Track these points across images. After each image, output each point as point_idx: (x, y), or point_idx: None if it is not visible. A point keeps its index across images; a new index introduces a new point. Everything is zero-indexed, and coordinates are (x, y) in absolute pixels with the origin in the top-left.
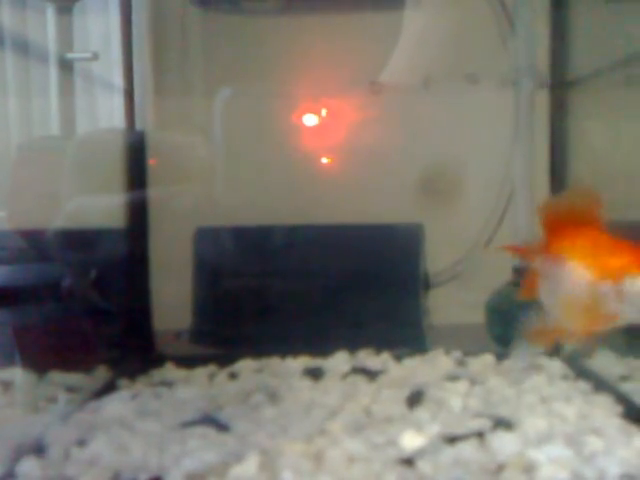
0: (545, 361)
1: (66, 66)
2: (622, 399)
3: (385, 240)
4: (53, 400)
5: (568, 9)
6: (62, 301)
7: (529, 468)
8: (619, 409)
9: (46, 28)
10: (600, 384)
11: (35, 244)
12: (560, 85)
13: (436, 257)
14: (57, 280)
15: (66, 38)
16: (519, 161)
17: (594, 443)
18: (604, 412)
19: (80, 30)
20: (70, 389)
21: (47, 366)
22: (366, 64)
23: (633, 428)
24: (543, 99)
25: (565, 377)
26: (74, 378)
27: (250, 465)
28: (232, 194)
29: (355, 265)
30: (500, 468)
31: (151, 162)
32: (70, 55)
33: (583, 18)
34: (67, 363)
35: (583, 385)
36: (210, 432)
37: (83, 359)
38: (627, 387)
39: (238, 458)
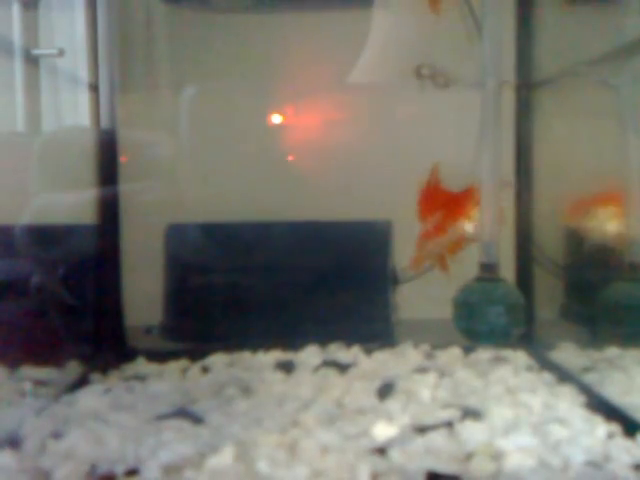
0: (511, 353)
1: (32, 62)
2: (585, 390)
3: (354, 236)
4: (25, 394)
5: (534, 12)
6: (31, 297)
7: (497, 456)
8: (582, 399)
9: (11, 23)
10: (564, 375)
11: (3, 240)
12: (526, 86)
13: (405, 253)
14: (26, 276)
15: (32, 34)
16: (486, 159)
17: (559, 432)
18: (568, 402)
19: (46, 26)
20: (42, 383)
21: (17, 361)
22: (335, 62)
23: (596, 418)
24: (509, 99)
25: (530, 369)
26: (46, 373)
27: (226, 456)
28: (201, 191)
29: (325, 261)
30: (469, 457)
31: (122, 159)
32: (36, 51)
33: (548, 21)
34: (37, 358)
35: (547, 376)
36: (185, 425)
37: (53, 354)
38: (590, 378)
39: (214, 449)
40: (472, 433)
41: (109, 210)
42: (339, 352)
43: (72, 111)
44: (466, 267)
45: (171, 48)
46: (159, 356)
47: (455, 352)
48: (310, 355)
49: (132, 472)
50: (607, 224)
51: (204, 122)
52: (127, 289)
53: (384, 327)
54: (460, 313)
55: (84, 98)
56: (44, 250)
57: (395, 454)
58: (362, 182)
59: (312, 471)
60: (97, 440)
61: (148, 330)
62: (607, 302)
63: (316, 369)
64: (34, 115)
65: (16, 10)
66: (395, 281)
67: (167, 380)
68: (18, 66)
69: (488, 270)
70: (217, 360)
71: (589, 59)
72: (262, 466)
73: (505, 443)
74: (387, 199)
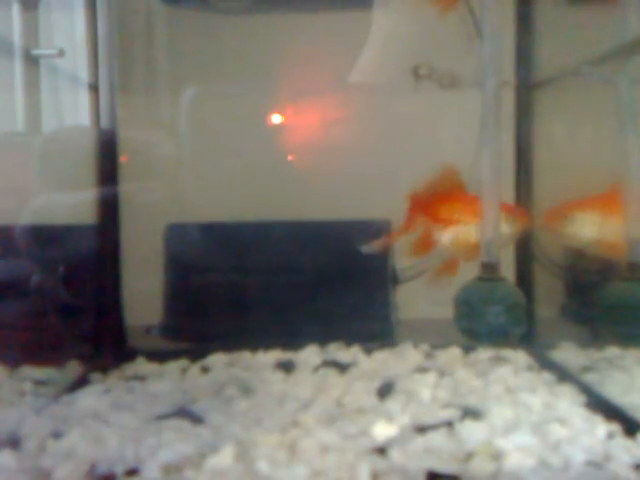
0: (511, 353)
1: (32, 62)
2: (585, 389)
3: (354, 236)
4: (25, 394)
5: (534, 11)
6: (31, 297)
7: (497, 456)
8: (582, 399)
9: (11, 23)
10: (564, 375)
11: (3, 240)
12: (525, 86)
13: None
14: (26, 276)
15: (32, 34)
16: (486, 159)
17: (559, 432)
18: (568, 402)
19: (46, 26)
20: (42, 383)
21: (17, 361)
22: (335, 63)
23: (596, 417)
24: (509, 99)
25: (530, 368)
26: (46, 373)
27: (226, 456)
28: (201, 191)
29: (324, 261)
30: (469, 456)
31: (122, 159)
32: (36, 51)
33: (548, 20)
34: (37, 358)
35: (547, 376)
36: (185, 424)
37: (53, 354)
38: (590, 378)
39: (214, 449)
40: (472, 433)
41: (109, 210)
42: (339, 352)
43: (72, 111)
44: (466, 267)
45: (171, 48)
46: (159, 356)
47: (455, 352)
48: (310, 355)
49: (132, 472)
50: (583, 231)
51: (204, 122)
52: (127, 289)
53: (384, 327)
54: (461, 313)
55: (84, 98)
56: (44, 250)
57: (395, 454)
58: (362, 182)
59: (312, 471)
60: (97, 440)
61: (148, 330)
62: (607, 302)
63: (316, 369)
64: (34, 115)
65: (16, 10)
66: (395, 281)
67: (167, 380)
68: (18, 66)
69: (489, 269)
70: (217, 360)
71: (589, 59)
72: (262, 466)
73: (505, 443)
74: (387, 199)
